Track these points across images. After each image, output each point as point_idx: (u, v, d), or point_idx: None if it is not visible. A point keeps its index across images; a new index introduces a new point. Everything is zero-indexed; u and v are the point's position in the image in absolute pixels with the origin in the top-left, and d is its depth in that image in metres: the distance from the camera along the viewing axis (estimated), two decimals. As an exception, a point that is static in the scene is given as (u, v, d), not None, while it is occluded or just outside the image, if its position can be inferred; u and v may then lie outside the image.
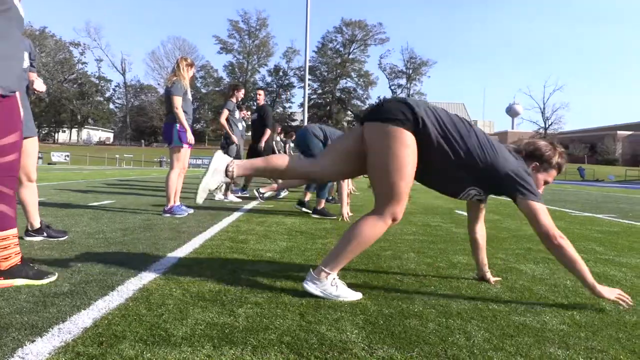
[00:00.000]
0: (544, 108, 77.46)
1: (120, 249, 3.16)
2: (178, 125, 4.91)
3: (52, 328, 1.69)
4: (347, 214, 5.15)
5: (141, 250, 3.12)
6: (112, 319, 1.79)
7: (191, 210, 5.24)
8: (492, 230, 4.76)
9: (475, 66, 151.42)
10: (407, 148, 2.02)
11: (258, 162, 2.31)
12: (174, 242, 3.48)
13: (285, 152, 15.05)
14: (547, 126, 77.86)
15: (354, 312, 1.98)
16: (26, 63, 3.13)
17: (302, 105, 59.67)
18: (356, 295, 2.17)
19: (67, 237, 3.45)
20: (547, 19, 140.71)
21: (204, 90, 75.07)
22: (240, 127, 9.34)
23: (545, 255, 3.44)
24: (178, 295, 2.13)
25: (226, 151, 7.46)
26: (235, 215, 5.31)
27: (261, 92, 8.30)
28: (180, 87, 4.94)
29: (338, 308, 2.03)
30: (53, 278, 2.31)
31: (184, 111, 4.98)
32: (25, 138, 3.10)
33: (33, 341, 1.57)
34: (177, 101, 4.88)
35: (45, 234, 3.34)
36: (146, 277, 2.43)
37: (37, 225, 3.32)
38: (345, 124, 75.29)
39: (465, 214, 6.29)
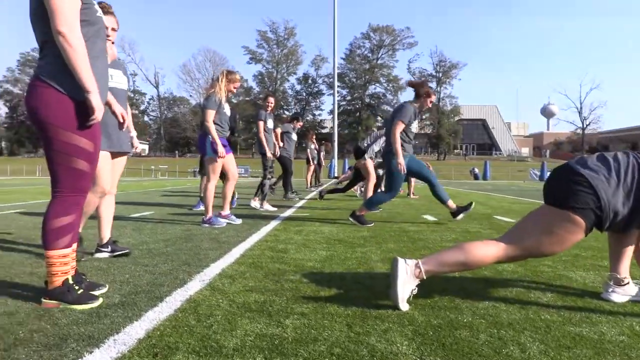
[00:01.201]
0: (580, 107, 75.23)
1: (164, 259, 3.22)
2: (210, 137, 4.97)
3: (108, 339, 1.73)
4: None
5: (184, 261, 3.18)
6: (164, 330, 1.83)
7: (239, 221, 5.34)
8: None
9: (507, 67, 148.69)
10: (578, 235, 2.02)
11: (452, 255, 2.18)
12: (215, 252, 3.52)
13: (319, 161, 15.08)
14: (584, 126, 75.57)
15: (401, 323, 1.96)
16: (125, 84, 3.31)
17: (331, 112, 59.98)
18: (405, 306, 2.14)
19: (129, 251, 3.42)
20: (580, 15, 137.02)
21: (234, 100, 76.13)
22: (294, 138, 9.51)
23: (594, 262, 3.32)
24: (225, 306, 2.15)
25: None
26: (272, 224, 5.34)
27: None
28: (215, 100, 4.98)
29: (385, 319, 2.01)
30: (104, 290, 2.37)
31: (218, 124, 5.03)
32: (116, 153, 3.27)
33: (91, 352, 1.61)
34: (209, 114, 4.94)
35: (109, 249, 3.32)
36: (192, 288, 2.47)
37: (105, 240, 3.35)
38: (375, 129, 74.94)
39: (505, 219, 6.14)
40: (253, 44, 76.86)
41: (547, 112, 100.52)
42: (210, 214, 5.09)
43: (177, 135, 76.55)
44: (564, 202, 2.02)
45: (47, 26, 1.99)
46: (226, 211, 5.29)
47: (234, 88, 5.17)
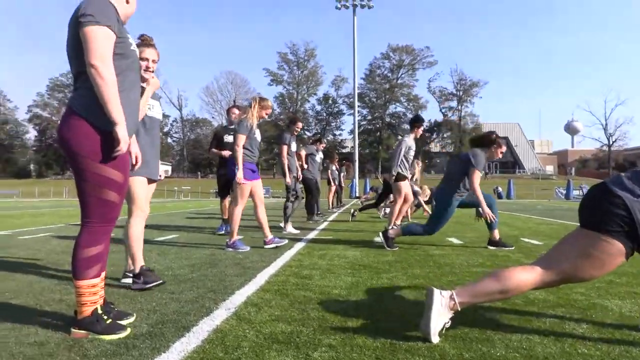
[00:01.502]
0: (605, 124, 73.86)
1: (190, 286, 3.23)
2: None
3: (137, 373, 1.73)
4: None
5: (210, 288, 3.18)
6: (192, 364, 1.82)
7: (285, 242, 5.42)
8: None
9: (528, 84, 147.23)
10: (617, 259, 1.97)
11: (487, 284, 2.12)
12: (240, 278, 3.52)
13: (339, 183, 15.07)
14: (610, 143, 74.04)
15: (432, 356, 1.91)
16: (161, 114, 3.39)
17: (352, 132, 60.18)
18: (436, 339, 2.08)
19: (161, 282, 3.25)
20: (603, 30, 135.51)
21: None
22: (318, 159, 9.56)
23: (630, 289, 3.21)
24: (252, 337, 2.13)
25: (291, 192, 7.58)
26: (296, 247, 5.33)
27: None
28: (246, 125, 5.06)
29: (415, 351, 1.96)
30: (131, 319, 2.38)
31: (248, 148, 5.09)
32: (149, 180, 3.33)
33: (121, 387, 1.61)
34: (240, 139, 5.01)
35: (142, 279, 3.17)
36: (218, 317, 2.46)
37: (138, 269, 3.26)
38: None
39: (533, 241, 6.00)
40: (274, 65, 77.94)
41: (571, 129, 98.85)
42: (234, 238, 5.10)
43: (200, 156, 77.58)
44: (601, 225, 1.95)
45: (82, 58, 2.04)
46: (269, 237, 5.28)
47: (266, 114, 5.27)
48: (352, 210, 10.81)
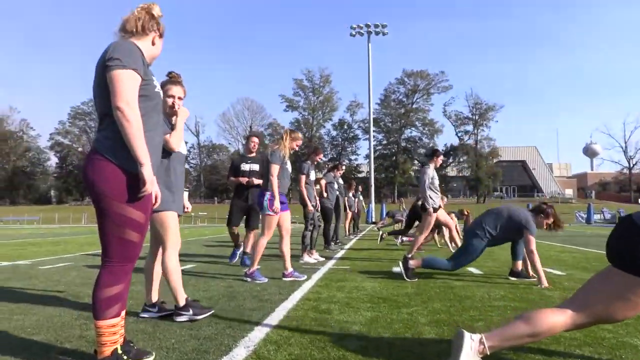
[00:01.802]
0: (625, 147, 72.77)
1: (208, 321, 3.21)
2: (268, 193, 5.03)
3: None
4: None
5: (228, 323, 3.16)
6: (212, 408, 1.79)
7: (304, 277, 5.30)
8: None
9: (545, 107, 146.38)
10: None
11: (517, 328, 2.07)
12: (258, 312, 3.49)
13: (357, 209, 15.00)
14: (631, 166, 72.80)
15: (457, 402, 1.85)
16: (185, 149, 3.45)
17: (367, 156, 60.30)
18: None
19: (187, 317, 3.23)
20: (621, 53, 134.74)
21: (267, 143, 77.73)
22: (337, 187, 9.56)
23: (660, 325, 3.10)
24: (272, 379, 2.10)
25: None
26: (314, 278, 5.29)
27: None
28: (279, 156, 5.11)
29: (440, 396, 1.91)
30: (151, 358, 2.37)
31: (279, 179, 5.11)
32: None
33: None
34: (274, 169, 5.04)
35: (190, 311, 3.20)
36: (238, 356, 2.43)
37: (154, 300, 3.36)
38: (412, 173, 74.51)
39: (555, 271, 5.87)
40: (290, 92, 78.70)
41: (589, 152, 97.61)
42: (254, 267, 5.09)
43: (217, 181, 78.25)
44: (631, 265, 1.90)
45: (108, 100, 2.10)
46: (289, 269, 5.27)
47: (297, 145, 5.36)
48: (380, 232, 11.25)
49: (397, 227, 20.75)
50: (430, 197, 6.34)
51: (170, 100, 3.28)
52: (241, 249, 6.91)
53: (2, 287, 4.79)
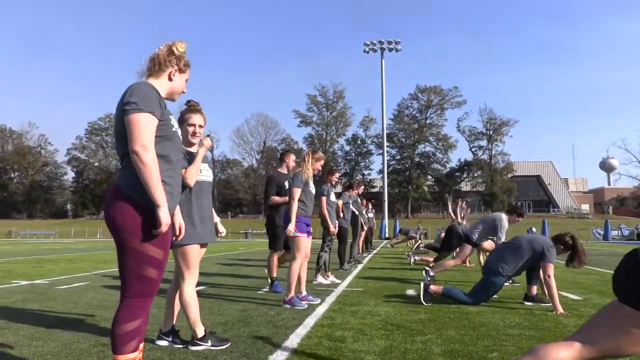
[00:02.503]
0: (643, 161, 71.67)
1: (223, 350, 3.23)
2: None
3: None
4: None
5: (243, 351, 3.19)
6: None
7: (317, 300, 5.29)
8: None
9: (560, 121, 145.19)
10: None
11: None
12: (272, 340, 3.51)
13: (370, 226, 14.95)
14: (649, 181, 71.67)
15: None
16: (211, 176, 3.51)
17: (381, 171, 60.26)
18: None
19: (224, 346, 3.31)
20: (636, 67, 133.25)
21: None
22: (351, 207, 9.54)
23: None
24: (287, 415, 2.12)
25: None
26: (328, 302, 5.29)
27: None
28: (301, 178, 5.11)
29: None
30: (167, 390, 2.40)
31: (303, 201, 5.13)
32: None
33: None
34: (295, 192, 5.05)
35: (209, 342, 3.27)
36: (252, 388, 2.45)
37: (169, 327, 3.42)
38: (425, 188, 74.17)
39: (572, 296, 5.80)
40: (303, 107, 79.32)
41: (606, 167, 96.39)
42: (292, 294, 5.04)
43: (230, 196, 78.74)
44: (635, 301, 1.89)
45: (126, 141, 2.16)
46: (303, 293, 5.27)
47: (320, 166, 5.33)
48: (411, 256, 11.18)
49: (412, 243, 20.65)
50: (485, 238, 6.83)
51: (191, 129, 3.35)
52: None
53: (21, 308, 4.88)
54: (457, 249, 7.94)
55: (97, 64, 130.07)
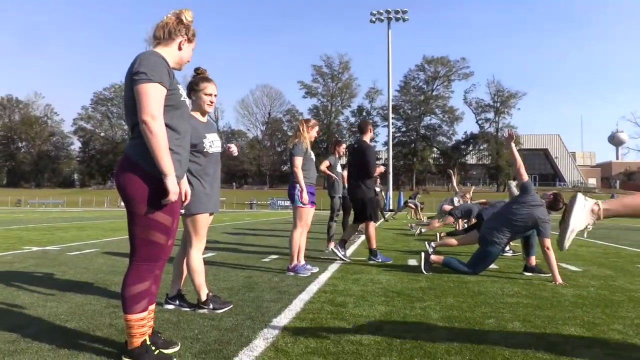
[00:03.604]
0: (652, 136, 70.89)
1: (228, 312, 3.36)
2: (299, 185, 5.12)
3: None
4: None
5: (248, 315, 3.31)
6: (234, 399, 1.93)
7: (315, 269, 5.35)
8: (602, 290, 4.43)
9: (569, 93, 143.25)
10: None
11: (634, 199, 2.16)
12: (276, 304, 3.64)
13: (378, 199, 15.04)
14: (657, 156, 71.02)
15: (464, 399, 1.96)
16: (218, 147, 3.53)
17: (386, 143, 60.08)
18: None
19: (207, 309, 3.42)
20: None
21: (290, 134, 77.94)
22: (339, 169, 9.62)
23: (670, 326, 3.15)
24: (289, 372, 2.24)
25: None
26: (330, 270, 5.42)
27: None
28: (301, 147, 5.18)
29: (447, 393, 2.02)
30: (177, 348, 2.53)
31: (305, 169, 5.20)
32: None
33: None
34: (298, 161, 5.12)
35: (211, 306, 3.42)
36: (257, 348, 2.58)
37: (175, 292, 3.56)
38: (431, 161, 74.03)
39: (571, 267, 5.89)
40: (308, 78, 78.74)
41: (615, 141, 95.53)
42: (295, 262, 5.18)
43: (235, 167, 78.98)
44: None
45: (136, 111, 2.22)
46: (302, 262, 5.37)
47: (317, 133, 5.46)
48: (414, 227, 11.61)
49: (411, 212, 20.76)
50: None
51: (208, 99, 3.40)
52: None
53: (35, 272, 5.05)
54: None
55: (101, 34, 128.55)
